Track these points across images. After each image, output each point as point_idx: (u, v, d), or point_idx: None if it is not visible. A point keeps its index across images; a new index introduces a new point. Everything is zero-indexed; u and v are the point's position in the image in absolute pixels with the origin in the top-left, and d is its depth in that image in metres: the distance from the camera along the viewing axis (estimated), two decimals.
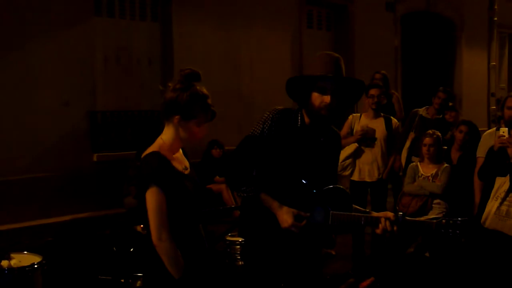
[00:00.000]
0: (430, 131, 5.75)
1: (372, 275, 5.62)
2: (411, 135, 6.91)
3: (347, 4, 10.76)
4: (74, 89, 7.24)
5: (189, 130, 2.90)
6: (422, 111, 7.06)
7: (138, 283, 4.71)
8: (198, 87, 2.90)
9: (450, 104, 7.31)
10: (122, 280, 4.72)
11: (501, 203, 4.42)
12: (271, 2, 9.42)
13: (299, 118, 3.26)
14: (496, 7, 14.06)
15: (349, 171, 6.07)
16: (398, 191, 6.59)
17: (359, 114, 6.23)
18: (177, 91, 2.86)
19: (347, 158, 6.03)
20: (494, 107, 13.58)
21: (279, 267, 3.29)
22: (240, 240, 4.78)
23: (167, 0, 8.23)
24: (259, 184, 3.18)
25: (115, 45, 7.87)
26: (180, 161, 2.97)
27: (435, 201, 5.54)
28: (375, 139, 5.97)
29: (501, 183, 4.47)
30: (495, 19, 14.11)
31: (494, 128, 5.23)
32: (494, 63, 14.36)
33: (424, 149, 5.66)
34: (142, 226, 5.04)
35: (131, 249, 4.93)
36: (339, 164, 6.03)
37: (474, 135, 5.90)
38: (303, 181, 3.19)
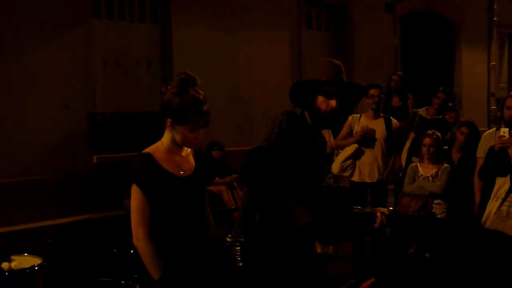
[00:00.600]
0: (430, 132, 5.75)
1: (373, 276, 5.61)
2: (411, 135, 6.90)
3: (346, 4, 10.76)
4: (74, 91, 7.24)
5: (182, 134, 2.90)
6: (422, 111, 7.06)
7: (138, 285, 4.71)
8: (193, 93, 2.88)
9: (450, 104, 7.31)
10: (122, 282, 4.72)
11: (501, 204, 4.42)
12: (270, 3, 9.42)
13: (305, 120, 3.47)
14: (495, 7, 14.06)
15: (349, 172, 6.07)
16: (398, 191, 6.58)
17: (358, 115, 6.22)
18: (172, 95, 2.88)
19: (347, 159, 6.03)
20: (494, 107, 13.58)
21: (280, 268, 3.38)
22: (241, 240, 4.78)
23: (166, 2, 8.23)
24: (278, 185, 3.31)
25: (114, 47, 7.86)
26: (178, 163, 2.96)
27: (435, 201, 5.53)
28: (375, 139, 5.97)
29: (501, 184, 4.47)
30: (495, 19, 14.11)
31: (494, 129, 5.22)
32: (494, 63, 14.36)
33: (424, 149, 5.65)
34: None
35: (131, 251, 4.92)
36: (339, 165, 6.08)
37: (474, 136, 5.90)
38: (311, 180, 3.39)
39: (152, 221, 2.85)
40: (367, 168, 6.00)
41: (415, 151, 6.55)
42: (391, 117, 6.19)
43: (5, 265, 4.02)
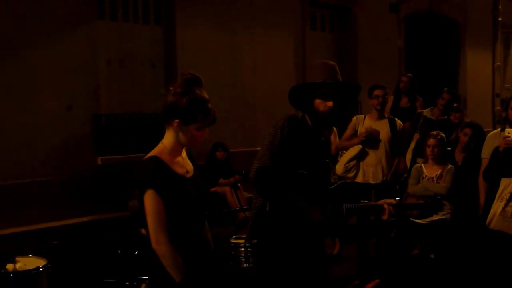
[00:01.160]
0: (434, 132, 5.73)
1: (377, 277, 5.60)
2: (416, 136, 6.89)
3: (350, 5, 10.76)
4: (78, 93, 7.26)
5: (189, 134, 2.89)
6: (426, 112, 7.04)
7: (143, 286, 4.71)
8: (198, 92, 2.88)
9: (455, 105, 7.29)
10: (127, 283, 4.72)
11: (506, 204, 4.40)
12: (274, 4, 9.42)
13: (306, 122, 3.56)
14: (500, 7, 14.03)
15: (353, 173, 6.05)
16: (402, 192, 6.57)
17: (363, 116, 6.20)
18: (177, 95, 2.86)
19: (351, 160, 6.01)
20: (499, 108, 13.54)
21: (292, 267, 3.50)
22: (244, 242, 4.78)
23: (170, 4, 8.25)
24: (285, 186, 3.44)
25: (118, 48, 7.88)
26: (182, 164, 2.97)
27: None
28: (379, 140, 5.95)
29: (506, 184, 4.46)
30: (499, 19, 14.09)
31: (499, 129, 5.21)
32: (498, 64, 14.33)
33: (428, 150, 5.64)
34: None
35: (136, 252, 4.93)
36: (343, 166, 6.07)
37: (479, 137, 5.88)
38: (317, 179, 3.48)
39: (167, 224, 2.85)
40: (371, 169, 5.98)
41: (419, 152, 6.53)
42: (396, 118, 6.17)
43: (10, 266, 4.02)
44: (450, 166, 5.60)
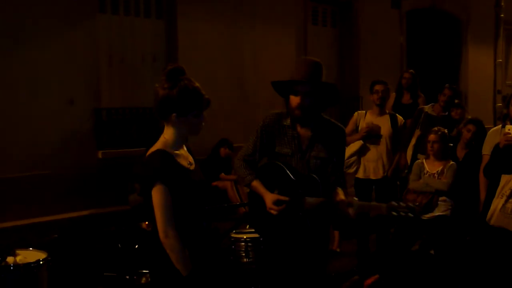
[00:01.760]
0: (435, 128, 5.73)
1: (377, 273, 5.62)
2: (417, 132, 6.89)
3: (352, 1, 10.73)
4: (79, 87, 7.25)
5: (188, 123, 2.92)
6: (428, 108, 7.04)
7: (143, 280, 4.73)
8: (185, 81, 2.89)
9: (456, 101, 7.29)
10: (127, 277, 4.73)
11: (506, 201, 4.40)
12: None
13: (289, 118, 3.68)
14: (502, 3, 14.00)
15: (354, 169, 6.06)
16: (403, 188, 6.57)
17: (364, 112, 6.21)
18: (166, 90, 2.88)
19: (352, 155, 6.02)
20: (500, 104, 13.53)
21: (288, 260, 3.63)
22: (244, 237, 4.79)
23: None
24: (254, 175, 3.66)
25: (119, 42, 7.87)
26: (185, 157, 2.98)
27: (441, 198, 5.52)
28: (380, 136, 5.96)
29: (506, 181, 4.46)
30: (502, 15, 14.06)
31: (500, 126, 5.21)
32: (500, 60, 14.31)
33: (428, 145, 5.64)
34: (147, 223, 5.05)
35: (136, 246, 4.94)
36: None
37: (481, 133, 5.88)
38: (287, 170, 3.58)
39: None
40: (372, 165, 5.99)
41: (420, 148, 6.54)
42: (397, 114, 6.17)
43: (10, 259, 4.04)
44: (451, 162, 5.60)
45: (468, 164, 5.72)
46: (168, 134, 2.94)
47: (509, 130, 4.47)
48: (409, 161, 6.59)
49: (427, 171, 5.60)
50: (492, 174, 4.69)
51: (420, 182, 5.62)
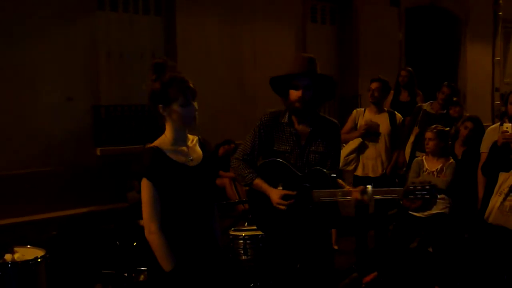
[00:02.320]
0: (432, 126, 5.73)
1: (376, 270, 5.62)
2: (415, 130, 6.89)
3: None
4: (78, 84, 7.25)
5: (175, 114, 2.93)
6: (426, 106, 7.04)
7: (141, 277, 4.72)
8: (169, 73, 2.96)
9: (455, 99, 7.28)
10: (126, 274, 4.73)
11: (504, 198, 4.41)
12: None
13: (287, 115, 3.74)
14: (501, 1, 14.01)
15: (353, 166, 6.06)
16: (402, 186, 6.56)
17: (363, 109, 6.20)
18: (151, 83, 2.97)
19: (350, 153, 6.02)
20: (498, 102, 13.54)
21: (292, 248, 3.69)
22: (243, 235, 4.79)
23: None
24: (255, 173, 3.69)
25: (118, 39, 7.86)
26: (186, 153, 2.98)
27: (439, 196, 5.51)
28: (379, 134, 5.96)
29: (504, 179, 4.47)
30: (500, 13, 14.06)
31: (498, 124, 5.21)
32: (498, 58, 14.31)
33: (425, 143, 5.64)
34: None
35: (135, 243, 4.94)
36: (343, 159, 6.07)
37: (479, 131, 5.88)
38: (290, 166, 3.64)
39: (163, 213, 2.86)
40: (371, 163, 5.99)
41: (419, 146, 6.54)
42: (396, 112, 6.17)
43: (8, 256, 4.02)
44: (451, 160, 5.59)
45: (466, 162, 5.71)
46: (167, 131, 2.99)
47: (507, 128, 4.48)
48: (407, 159, 6.59)
49: (427, 169, 5.59)
50: (490, 172, 4.70)
51: (419, 180, 5.61)
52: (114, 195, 7.33)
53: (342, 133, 6.25)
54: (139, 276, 4.73)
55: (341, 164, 6.08)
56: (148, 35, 8.18)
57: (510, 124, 4.53)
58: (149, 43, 8.19)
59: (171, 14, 8.25)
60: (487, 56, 14.04)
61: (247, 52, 9.04)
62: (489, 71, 14.12)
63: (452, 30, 13.35)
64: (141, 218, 5.07)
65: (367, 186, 3.53)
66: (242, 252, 4.77)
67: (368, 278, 5.59)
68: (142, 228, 4.98)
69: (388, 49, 11.39)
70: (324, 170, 3.62)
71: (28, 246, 4.30)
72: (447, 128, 5.87)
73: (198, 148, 3.06)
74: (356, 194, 3.48)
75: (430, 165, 5.56)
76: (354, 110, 6.27)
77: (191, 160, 2.99)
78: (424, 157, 5.76)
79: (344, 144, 6.27)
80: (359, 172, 6.04)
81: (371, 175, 5.99)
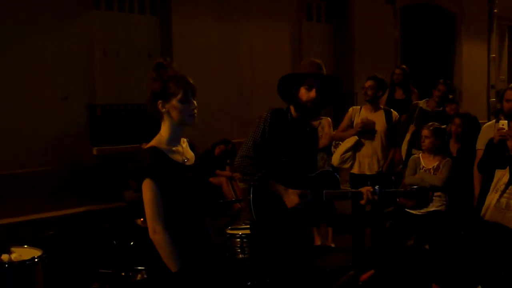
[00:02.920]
0: (429, 123, 5.74)
1: (372, 268, 5.62)
2: (411, 127, 6.90)
3: None
4: (73, 83, 7.24)
5: (175, 109, 2.92)
6: (422, 103, 7.05)
7: (139, 277, 4.73)
8: (169, 70, 2.94)
9: (450, 96, 7.30)
10: (123, 274, 4.73)
11: (500, 196, 4.42)
12: None
13: (289, 114, 3.80)
14: None
15: (349, 164, 6.06)
16: (398, 183, 6.59)
17: (359, 107, 6.21)
18: (152, 80, 2.94)
19: (347, 151, 6.02)
20: (494, 99, 13.57)
21: (286, 252, 3.70)
22: (240, 233, 4.79)
23: None
24: (266, 173, 3.64)
25: (114, 38, 7.85)
26: (181, 153, 3.00)
27: (436, 193, 5.52)
28: (375, 131, 5.96)
29: (500, 176, 4.47)
30: (495, 11, 14.09)
31: (494, 121, 5.22)
32: (494, 55, 14.34)
33: (422, 140, 5.65)
34: (142, 219, 5.04)
35: (131, 243, 4.93)
36: (339, 157, 6.09)
37: (471, 127, 5.89)
38: (298, 166, 3.70)
39: (165, 213, 2.86)
40: (367, 161, 5.99)
41: (415, 143, 6.55)
42: (392, 110, 6.18)
43: (5, 257, 4.02)
44: (448, 158, 5.60)
45: (461, 159, 5.73)
46: (163, 130, 2.98)
47: (503, 125, 4.49)
48: (403, 157, 6.61)
49: (423, 166, 5.59)
50: (486, 169, 4.71)
51: (415, 177, 5.62)
52: (111, 195, 7.33)
53: (338, 131, 6.31)
54: (136, 276, 4.74)
55: (337, 162, 6.13)
56: (144, 34, 8.17)
57: (506, 121, 4.54)
58: (145, 42, 8.18)
59: (166, 13, 8.24)
60: (482, 54, 14.07)
61: (242, 50, 9.04)
62: (484, 68, 14.15)
63: (448, 28, 13.37)
64: (138, 217, 5.11)
65: (375, 186, 3.66)
66: (239, 250, 4.77)
67: (365, 276, 5.59)
68: (139, 228, 5.00)
69: (384, 47, 11.40)
70: (330, 170, 3.78)
71: (25, 246, 4.30)
72: (443, 126, 5.88)
73: (189, 149, 3.08)
74: (367, 194, 3.62)
75: (427, 162, 5.57)
76: (350, 108, 6.28)
77: (187, 159, 3.00)
78: (420, 154, 5.77)
79: (340, 142, 6.28)
80: (355, 170, 6.05)
81: (367, 173, 5.99)
